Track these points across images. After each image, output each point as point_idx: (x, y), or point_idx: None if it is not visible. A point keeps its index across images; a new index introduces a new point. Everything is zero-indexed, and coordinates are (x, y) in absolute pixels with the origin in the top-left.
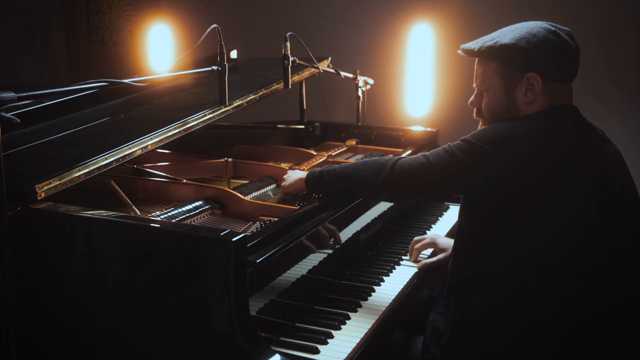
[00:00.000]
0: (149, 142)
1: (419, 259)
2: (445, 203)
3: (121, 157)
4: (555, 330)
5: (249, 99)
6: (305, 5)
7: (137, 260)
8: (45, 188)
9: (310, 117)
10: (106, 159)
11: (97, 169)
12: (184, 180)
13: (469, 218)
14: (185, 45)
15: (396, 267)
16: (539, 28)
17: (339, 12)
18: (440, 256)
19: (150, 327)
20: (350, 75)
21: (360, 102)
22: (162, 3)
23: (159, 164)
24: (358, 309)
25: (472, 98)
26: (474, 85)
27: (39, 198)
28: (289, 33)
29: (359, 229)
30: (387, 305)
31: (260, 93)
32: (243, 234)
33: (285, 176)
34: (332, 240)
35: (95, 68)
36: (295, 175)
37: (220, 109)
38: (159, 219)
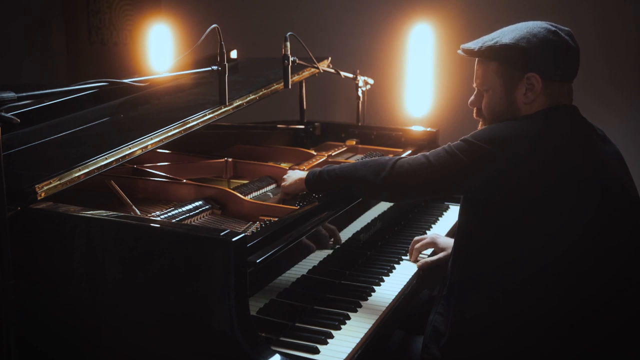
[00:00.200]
0: (149, 142)
1: (418, 258)
2: (445, 203)
3: (121, 157)
4: (555, 330)
5: (249, 99)
6: (305, 5)
7: (137, 260)
8: (45, 188)
9: (310, 117)
10: (106, 159)
11: (97, 169)
12: (184, 180)
13: (469, 218)
14: (185, 45)
15: (396, 267)
16: (539, 28)
17: (339, 12)
18: (440, 255)
19: (150, 327)
20: (350, 75)
21: (360, 102)
22: (162, 3)
23: (159, 164)
24: (358, 309)
25: (472, 98)
26: (474, 85)
27: (39, 198)
28: (289, 33)
29: (359, 229)
30: (387, 305)
31: (260, 93)
32: (243, 234)
33: (285, 176)
34: (332, 240)
35: (95, 68)
36: (295, 175)
37: (220, 109)
38: (159, 219)
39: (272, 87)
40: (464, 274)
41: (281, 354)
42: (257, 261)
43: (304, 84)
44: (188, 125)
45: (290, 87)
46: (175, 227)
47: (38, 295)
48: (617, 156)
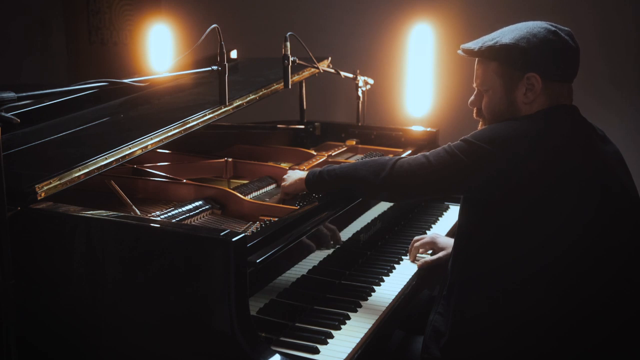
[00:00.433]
0: (149, 142)
1: (418, 258)
2: (445, 203)
3: (121, 157)
4: (555, 330)
5: (249, 99)
6: (305, 5)
7: (137, 260)
8: (45, 188)
9: (310, 117)
10: (106, 159)
11: (97, 169)
12: (184, 180)
13: (469, 218)
14: (185, 45)
15: (396, 267)
16: (539, 28)
17: (339, 12)
18: (440, 255)
19: (150, 327)
20: (350, 75)
21: (360, 102)
22: (162, 3)
23: (159, 164)
24: (358, 309)
25: (472, 98)
26: (474, 85)
27: (39, 198)
28: (289, 33)
29: (359, 229)
30: (387, 305)
31: (260, 93)
32: (243, 234)
33: (285, 176)
34: (332, 240)
35: (95, 68)
36: (295, 175)
37: (220, 109)
38: (159, 219)
39: (272, 87)
40: (464, 273)
41: (281, 354)
42: (257, 261)
43: (304, 84)
44: (188, 125)
45: (290, 87)
46: (175, 227)
47: (38, 295)
48: (617, 156)
